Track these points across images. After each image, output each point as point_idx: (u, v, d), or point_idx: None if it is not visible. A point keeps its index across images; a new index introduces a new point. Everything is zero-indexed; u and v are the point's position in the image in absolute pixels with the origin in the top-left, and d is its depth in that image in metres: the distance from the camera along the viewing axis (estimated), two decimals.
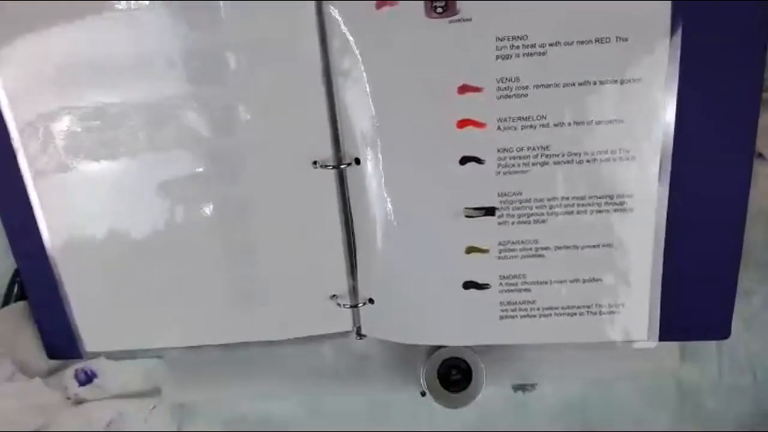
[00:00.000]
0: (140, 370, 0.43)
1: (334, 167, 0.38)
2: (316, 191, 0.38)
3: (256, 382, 0.43)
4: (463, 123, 0.36)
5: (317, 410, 0.44)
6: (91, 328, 0.42)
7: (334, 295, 0.41)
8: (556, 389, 0.44)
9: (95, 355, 0.43)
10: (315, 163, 0.38)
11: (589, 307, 0.39)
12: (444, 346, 0.39)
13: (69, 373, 0.43)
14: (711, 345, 0.42)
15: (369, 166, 0.37)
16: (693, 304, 0.39)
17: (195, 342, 0.42)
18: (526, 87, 0.35)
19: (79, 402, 0.43)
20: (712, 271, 0.39)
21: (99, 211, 0.40)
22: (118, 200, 0.39)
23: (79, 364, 0.43)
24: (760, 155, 0.38)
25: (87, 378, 0.43)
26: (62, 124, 0.38)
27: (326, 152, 0.38)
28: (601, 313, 0.39)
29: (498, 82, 0.35)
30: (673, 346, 0.41)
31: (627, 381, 0.43)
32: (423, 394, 0.40)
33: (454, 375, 0.39)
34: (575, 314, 0.39)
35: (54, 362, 0.43)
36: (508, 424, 0.44)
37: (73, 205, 0.40)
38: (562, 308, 0.39)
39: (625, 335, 0.39)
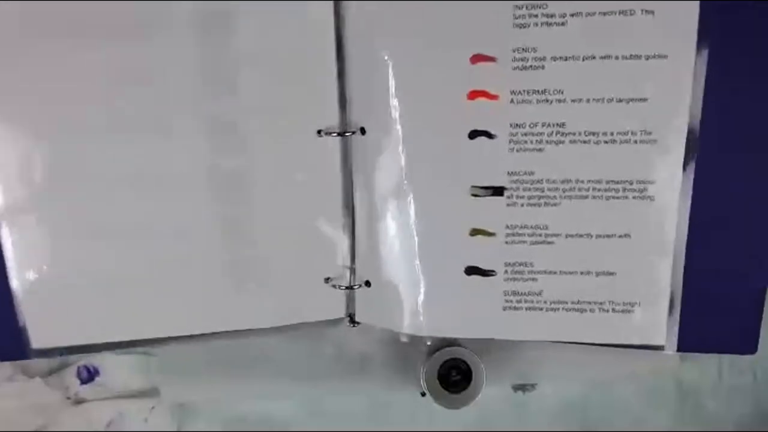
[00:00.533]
0: (142, 367, 0.43)
1: (338, 134, 0.36)
2: (319, 162, 0.36)
3: (256, 382, 0.43)
4: (474, 94, 0.34)
5: (317, 410, 0.44)
6: (48, 321, 0.37)
7: (328, 278, 0.38)
8: (556, 389, 0.44)
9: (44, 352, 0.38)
10: (320, 132, 0.36)
11: (601, 303, 0.36)
12: (443, 347, 0.39)
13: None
14: None
15: (374, 136, 0.35)
16: (715, 311, 0.36)
17: (175, 332, 0.39)
18: (544, 58, 0.33)
19: (79, 402, 0.43)
20: (738, 275, 0.35)
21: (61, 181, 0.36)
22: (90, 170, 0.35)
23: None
24: None
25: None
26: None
27: (332, 120, 0.36)
28: (614, 311, 0.36)
29: (513, 52, 0.33)
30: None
31: (627, 381, 0.43)
32: (423, 394, 0.40)
33: (454, 376, 0.39)
34: (585, 311, 0.36)
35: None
36: (508, 424, 0.44)
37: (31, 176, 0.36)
38: (571, 303, 0.36)
39: (640, 338, 0.36)
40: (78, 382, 0.43)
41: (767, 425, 0.43)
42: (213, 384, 0.43)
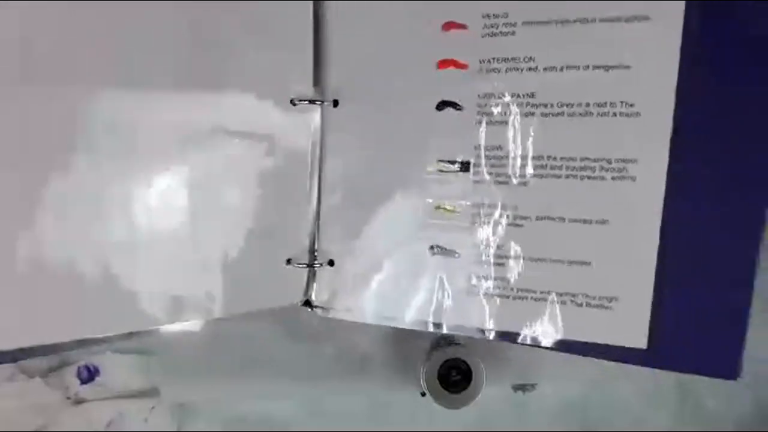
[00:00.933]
0: (142, 367, 0.43)
1: (311, 102, 0.35)
2: (291, 133, 0.35)
3: (256, 382, 0.43)
4: (444, 63, 0.33)
5: (317, 410, 0.44)
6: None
7: (289, 260, 0.36)
8: (556, 389, 0.44)
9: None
10: (292, 101, 0.34)
11: (573, 296, 0.32)
12: (442, 346, 0.39)
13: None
14: None
15: (346, 107, 0.34)
16: (696, 324, 0.31)
17: (132, 327, 0.35)
18: (514, 24, 0.31)
19: (79, 402, 0.43)
20: (721, 288, 0.31)
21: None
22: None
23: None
24: None
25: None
26: None
27: (307, 89, 0.35)
28: (588, 306, 0.32)
29: (484, 18, 0.32)
30: None
31: (627, 381, 0.43)
32: (423, 394, 0.40)
33: (454, 376, 0.39)
34: (555, 302, 0.33)
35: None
36: (508, 424, 0.44)
37: None
38: (541, 292, 0.33)
39: (617, 338, 0.32)
40: (78, 382, 0.43)
41: (767, 425, 0.42)
42: (213, 384, 0.43)
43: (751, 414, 0.43)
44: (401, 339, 0.42)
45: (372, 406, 0.44)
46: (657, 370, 0.41)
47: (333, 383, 0.43)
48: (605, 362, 0.41)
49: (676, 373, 0.42)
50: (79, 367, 0.43)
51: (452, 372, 0.39)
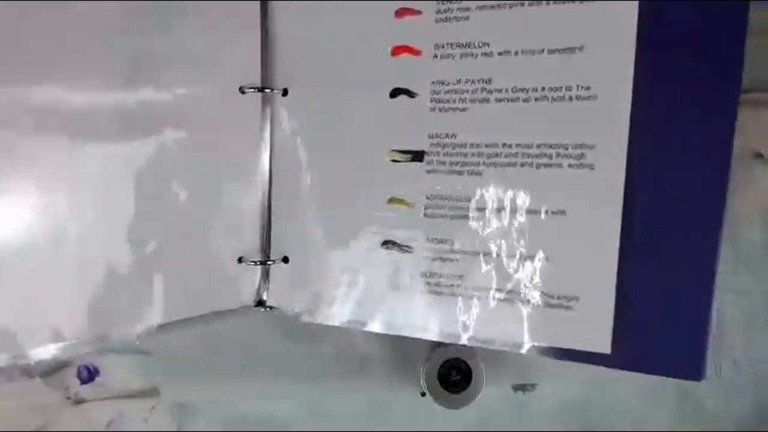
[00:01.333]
0: (142, 367, 0.43)
1: (259, 90, 0.34)
2: (238, 123, 0.34)
3: (256, 382, 0.43)
4: (398, 50, 0.32)
5: (317, 410, 0.44)
6: None
7: (241, 258, 0.35)
8: (556, 389, 0.43)
9: None
10: (241, 89, 0.34)
11: (530, 295, 0.31)
12: (442, 346, 0.39)
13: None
14: (711, 345, 0.42)
15: (296, 95, 0.34)
16: (660, 325, 0.29)
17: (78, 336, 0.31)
18: (468, 9, 0.30)
19: (79, 402, 0.43)
20: (684, 287, 0.29)
21: None
22: None
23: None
24: (760, 155, 0.38)
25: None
26: None
27: (255, 77, 0.34)
28: (547, 306, 0.30)
29: (438, 3, 0.31)
30: None
31: (627, 381, 0.43)
32: (423, 394, 0.40)
33: (454, 376, 0.39)
34: (511, 301, 0.31)
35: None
36: (508, 424, 0.44)
37: None
38: (497, 290, 0.31)
39: (577, 342, 0.30)
40: (78, 382, 0.43)
41: (767, 425, 0.42)
42: (213, 384, 0.43)
43: (751, 414, 0.43)
44: (401, 339, 0.42)
45: (372, 406, 0.44)
46: None
47: (333, 383, 0.43)
48: None
49: None
50: (79, 367, 0.43)
51: (452, 372, 0.39)
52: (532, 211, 0.30)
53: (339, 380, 0.43)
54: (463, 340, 0.33)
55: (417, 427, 0.44)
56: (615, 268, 0.29)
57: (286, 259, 0.35)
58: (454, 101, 0.31)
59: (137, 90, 0.32)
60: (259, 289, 0.36)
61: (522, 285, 0.31)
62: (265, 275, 0.36)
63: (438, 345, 0.40)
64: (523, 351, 0.31)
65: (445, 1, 0.31)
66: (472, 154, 0.31)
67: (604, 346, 0.30)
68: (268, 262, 0.35)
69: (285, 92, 0.34)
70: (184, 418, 0.44)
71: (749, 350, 0.42)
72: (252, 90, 0.34)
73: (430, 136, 0.32)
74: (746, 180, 0.40)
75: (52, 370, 0.43)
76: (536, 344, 0.31)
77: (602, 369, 0.41)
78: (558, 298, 0.30)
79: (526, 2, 0.30)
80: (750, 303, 0.41)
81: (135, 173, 0.32)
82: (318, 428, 0.44)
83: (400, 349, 0.42)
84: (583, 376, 0.43)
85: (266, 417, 0.45)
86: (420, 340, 0.40)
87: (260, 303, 0.37)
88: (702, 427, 0.43)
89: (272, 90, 0.34)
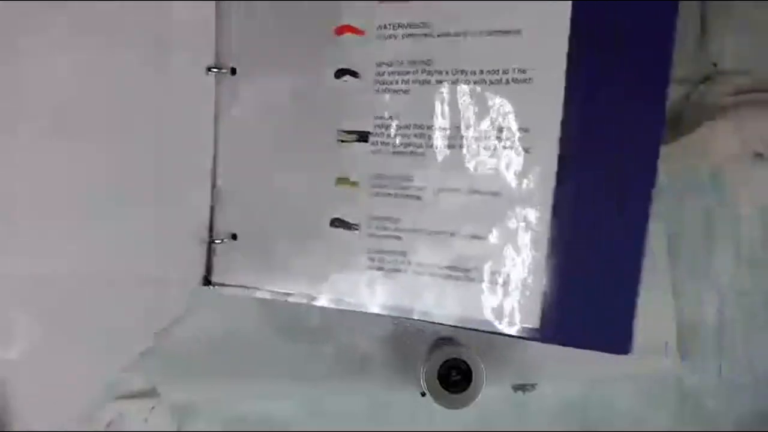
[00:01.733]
0: (143, 367, 0.43)
1: (209, 70, 0.34)
2: (187, 101, 0.34)
3: (256, 382, 0.43)
4: (342, 29, 0.32)
5: (317, 410, 0.44)
6: None
7: (189, 235, 0.36)
8: (556, 389, 0.44)
9: None
10: (209, 68, 0.34)
11: (467, 270, 0.32)
12: (442, 346, 0.39)
13: None
14: (711, 345, 0.42)
15: (244, 75, 0.34)
16: (587, 299, 0.30)
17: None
18: None
19: None
20: (611, 262, 0.30)
21: None
22: None
23: None
24: (760, 155, 0.38)
25: None
26: None
27: (209, 57, 0.34)
28: (482, 281, 0.32)
29: None
30: (672, 345, 0.41)
31: (627, 381, 0.43)
32: (423, 394, 0.40)
33: (454, 376, 0.39)
34: (450, 277, 0.32)
35: None
36: (508, 424, 0.44)
37: None
38: (439, 267, 0.32)
39: (509, 318, 0.31)
40: None
41: (767, 425, 0.42)
42: (213, 384, 0.43)
43: (751, 414, 0.43)
44: (401, 339, 0.42)
45: (372, 406, 0.44)
46: (657, 371, 0.42)
47: (333, 383, 0.43)
48: (605, 362, 0.41)
49: (676, 374, 0.42)
50: None
51: (452, 372, 0.39)
52: (472, 191, 0.31)
53: (339, 380, 0.43)
54: (412, 315, 0.34)
55: (417, 427, 0.44)
56: (546, 246, 0.30)
57: (234, 236, 0.36)
58: (397, 82, 0.32)
59: (91, 67, 0.33)
60: (207, 267, 0.37)
61: (462, 262, 0.32)
62: (212, 253, 0.36)
63: (438, 345, 0.40)
64: (461, 325, 0.33)
65: None
66: (415, 135, 0.32)
67: (534, 321, 0.31)
68: (216, 241, 0.36)
69: (233, 71, 0.34)
70: (184, 418, 0.44)
71: (749, 350, 0.42)
72: (203, 70, 0.34)
73: (375, 118, 0.33)
74: (746, 180, 0.40)
75: None
76: (476, 318, 0.32)
77: (602, 369, 0.41)
78: (492, 274, 0.32)
79: None
80: (750, 303, 0.41)
81: (83, 151, 0.33)
82: (318, 428, 0.44)
83: (400, 349, 0.42)
84: (583, 376, 0.43)
85: (266, 417, 0.45)
86: (420, 340, 0.41)
87: (207, 282, 0.37)
88: (702, 427, 0.43)
89: (220, 70, 0.34)
